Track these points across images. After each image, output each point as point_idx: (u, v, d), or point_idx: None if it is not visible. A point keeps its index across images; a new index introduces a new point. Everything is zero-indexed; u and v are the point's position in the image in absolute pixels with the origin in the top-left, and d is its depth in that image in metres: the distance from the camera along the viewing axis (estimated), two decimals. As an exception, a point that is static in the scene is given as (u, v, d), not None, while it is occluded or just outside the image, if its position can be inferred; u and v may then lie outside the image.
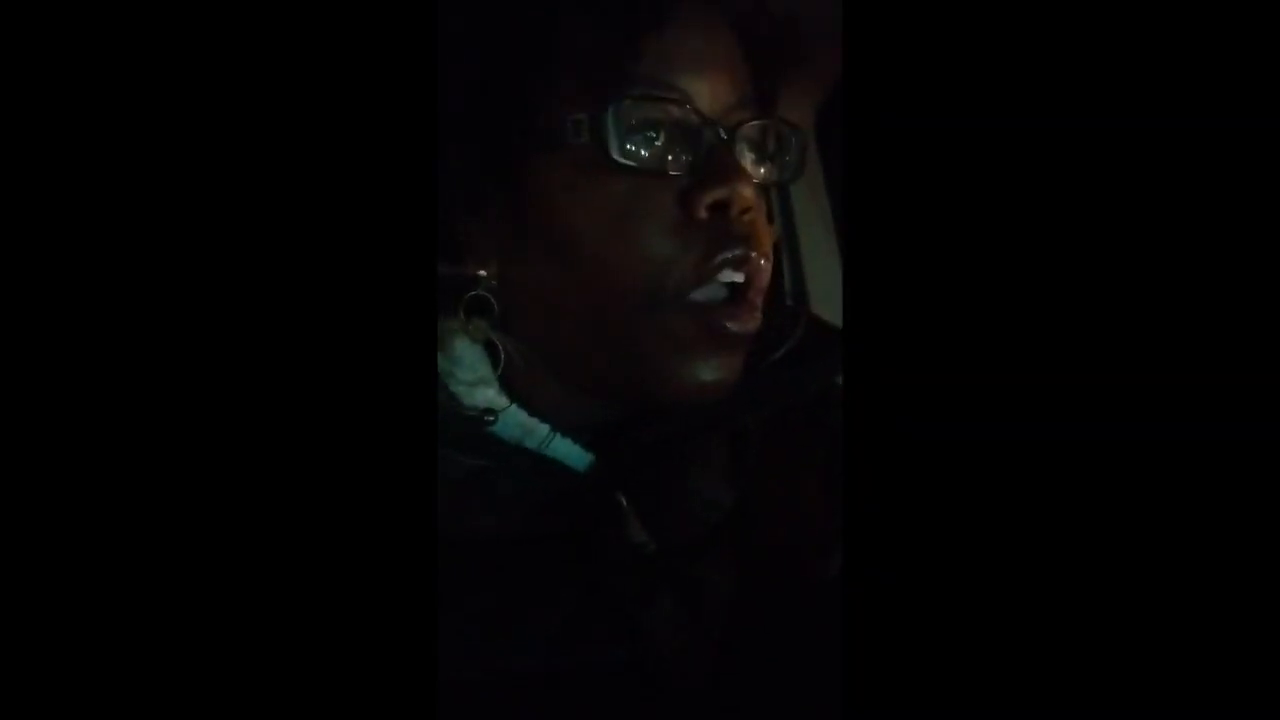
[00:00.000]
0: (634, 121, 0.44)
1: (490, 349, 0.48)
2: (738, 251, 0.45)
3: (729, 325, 0.45)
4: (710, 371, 0.46)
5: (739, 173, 0.45)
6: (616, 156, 0.43)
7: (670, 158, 0.44)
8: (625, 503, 0.46)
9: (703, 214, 0.44)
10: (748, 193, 0.45)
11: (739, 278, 0.45)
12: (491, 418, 0.47)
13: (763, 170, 0.48)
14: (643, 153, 0.44)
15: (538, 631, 0.44)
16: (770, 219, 0.49)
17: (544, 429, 0.48)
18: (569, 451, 0.48)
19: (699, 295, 0.45)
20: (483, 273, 0.47)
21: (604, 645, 0.44)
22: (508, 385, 0.48)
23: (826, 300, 0.65)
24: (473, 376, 0.48)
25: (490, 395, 0.48)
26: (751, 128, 0.47)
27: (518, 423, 0.48)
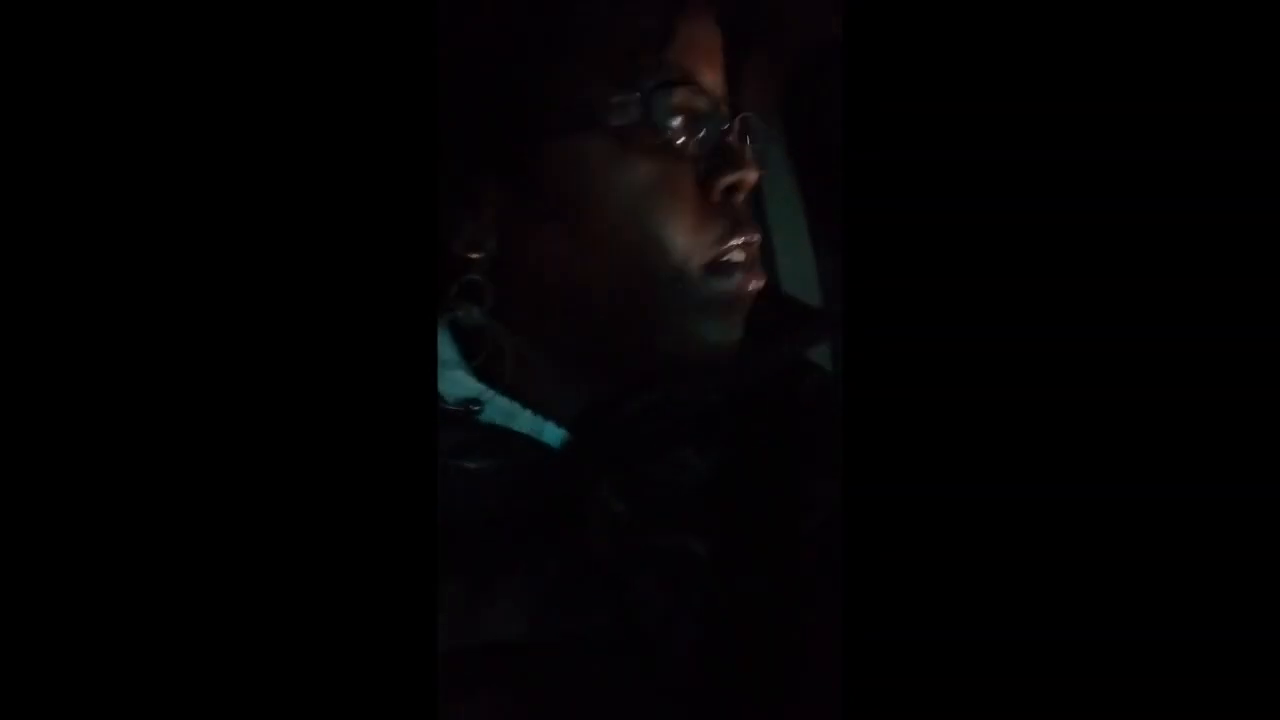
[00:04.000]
0: (675, 106, 0.46)
1: (473, 334, 0.49)
2: (747, 235, 0.48)
3: (741, 288, 0.48)
4: (724, 332, 0.49)
5: (747, 158, 0.48)
6: (662, 139, 0.45)
7: (688, 141, 0.46)
8: (601, 475, 0.47)
9: (717, 197, 0.47)
10: (753, 178, 0.48)
11: (743, 257, 0.48)
12: (477, 407, 0.48)
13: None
14: (674, 136, 0.46)
15: (522, 603, 0.45)
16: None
17: (524, 411, 0.49)
18: (542, 428, 0.50)
19: (711, 271, 0.47)
20: (475, 256, 0.47)
21: (588, 614, 0.46)
22: (489, 369, 0.49)
23: (795, 278, 0.67)
24: (448, 362, 0.49)
25: (469, 383, 0.49)
26: (746, 115, 0.49)
27: (500, 408, 0.49)
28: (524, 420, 0.49)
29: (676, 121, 0.46)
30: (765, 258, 0.74)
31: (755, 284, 0.50)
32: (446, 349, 0.49)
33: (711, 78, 0.48)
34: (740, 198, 0.48)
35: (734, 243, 0.48)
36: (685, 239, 0.46)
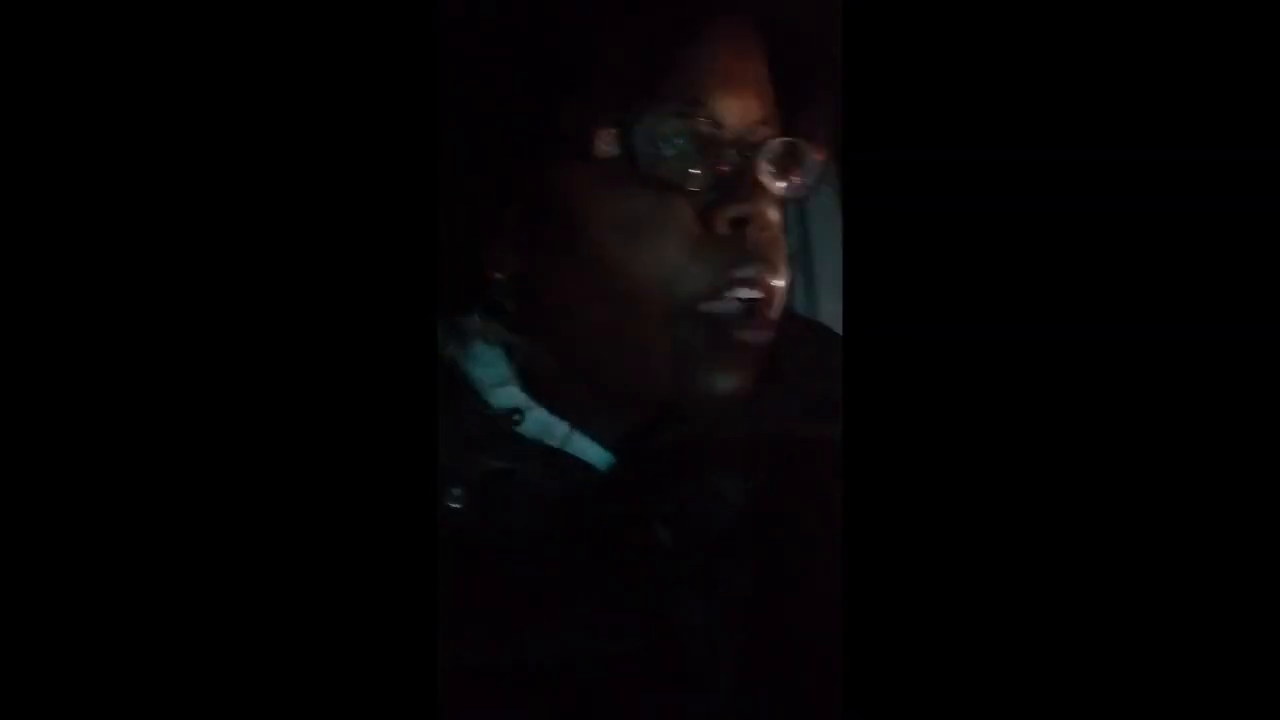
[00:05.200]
0: (662, 136, 0.45)
1: (507, 350, 0.50)
2: (754, 270, 0.46)
3: (743, 337, 0.47)
4: (725, 381, 0.47)
5: (760, 190, 0.46)
6: (644, 170, 0.45)
7: (695, 172, 0.45)
8: (643, 501, 0.48)
9: (723, 230, 0.46)
10: (768, 210, 0.46)
11: (755, 294, 0.46)
12: (518, 417, 0.49)
13: (782, 186, 0.49)
14: (669, 167, 0.45)
15: (562, 623, 0.45)
16: (786, 230, 0.51)
17: (563, 426, 0.50)
18: (587, 449, 0.50)
19: (715, 308, 0.46)
20: (498, 275, 0.48)
21: (626, 637, 0.46)
22: (525, 386, 0.50)
23: (836, 312, 0.67)
24: (497, 378, 0.50)
25: (515, 395, 0.50)
26: (774, 144, 0.48)
27: (539, 421, 0.50)
28: (559, 434, 0.50)
29: (668, 153, 0.45)
30: (808, 291, 0.75)
31: (762, 332, 0.47)
32: (495, 365, 0.51)
33: (733, 106, 0.46)
34: (752, 231, 0.46)
35: (739, 275, 0.46)
36: (675, 275, 0.45)
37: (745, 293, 0.46)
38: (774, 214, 0.47)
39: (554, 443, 0.50)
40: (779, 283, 0.48)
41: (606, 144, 0.45)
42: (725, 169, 0.46)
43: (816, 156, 0.50)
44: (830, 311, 0.69)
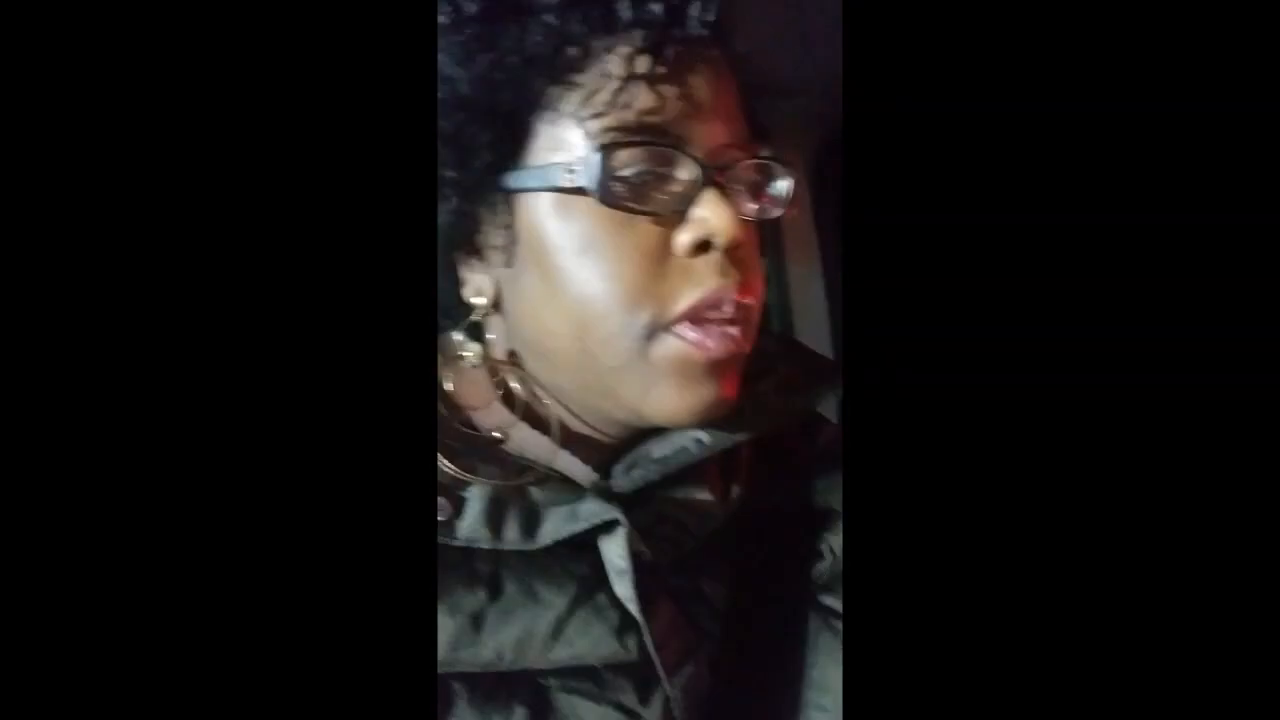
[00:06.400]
0: (627, 164, 0.45)
1: (490, 373, 0.51)
2: (724, 287, 0.46)
3: (721, 353, 0.47)
4: (703, 395, 0.47)
5: (727, 211, 0.46)
6: (606, 200, 0.44)
7: (663, 198, 0.46)
8: (624, 517, 0.47)
9: (691, 251, 0.46)
10: (735, 230, 0.46)
11: (732, 312, 0.47)
12: (501, 437, 0.50)
13: (753, 207, 0.49)
14: (634, 194, 0.45)
15: (544, 630, 0.46)
16: (763, 253, 0.51)
17: (547, 444, 0.50)
18: (569, 466, 0.50)
19: (692, 327, 0.46)
20: (481, 301, 0.49)
21: (606, 645, 0.46)
22: (510, 407, 0.51)
23: (812, 331, 0.68)
24: (481, 399, 0.50)
25: (499, 415, 0.50)
26: (743, 167, 0.48)
27: (524, 439, 0.50)
28: (543, 452, 0.50)
29: (634, 179, 0.45)
30: (782, 311, 0.76)
31: (731, 348, 0.47)
32: (479, 385, 0.51)
33: (703, 130, 0.47)
34: (720, 252, 0.46)
35: (710, 294, 0.46)
36: (653, 296, 0.46)
37: (713, 314, 0.46)
38: (747, 235, 0.48)
39: (542, 460, 0.50)
40: (754, 301, 0.48)
41: (574, 177, 0.45)
42: (696, 191, 0.46)
43: (787, 178, 0.51)
44: (805, 326, 0.69)
